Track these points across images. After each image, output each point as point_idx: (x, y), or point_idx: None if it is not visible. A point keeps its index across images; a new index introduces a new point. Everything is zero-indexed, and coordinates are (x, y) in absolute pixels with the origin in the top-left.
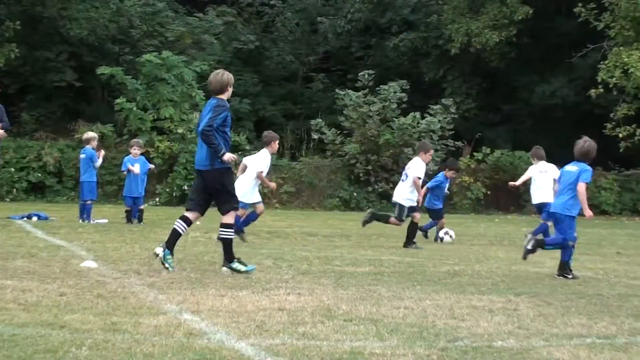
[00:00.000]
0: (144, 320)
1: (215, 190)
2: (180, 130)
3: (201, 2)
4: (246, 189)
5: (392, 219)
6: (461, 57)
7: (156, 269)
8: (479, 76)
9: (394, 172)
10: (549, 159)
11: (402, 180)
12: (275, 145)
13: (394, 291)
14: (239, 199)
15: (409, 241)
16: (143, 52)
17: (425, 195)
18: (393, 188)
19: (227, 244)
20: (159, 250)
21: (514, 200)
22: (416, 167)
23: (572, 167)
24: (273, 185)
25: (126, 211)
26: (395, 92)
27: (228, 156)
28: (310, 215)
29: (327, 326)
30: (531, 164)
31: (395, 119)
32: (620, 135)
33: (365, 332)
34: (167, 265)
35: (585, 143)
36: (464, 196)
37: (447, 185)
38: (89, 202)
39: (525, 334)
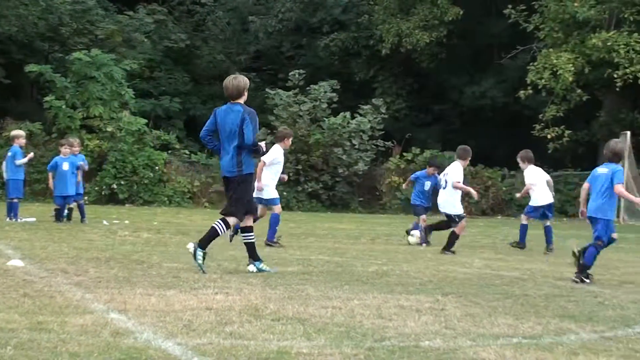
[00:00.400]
0: (70, 319)
1: (234, 193)
2: (109, 129)
3: (132, 0)
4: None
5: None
6: (392, 57)
7: (84, 268)
8: (410, 76)
9: (324, 171)
10: (478, 160)
11: (443, 187)
12: (288, 141)
13: (322, 291)
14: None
15: (448, 247)
16: (73, 50)
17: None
18: (323, 188)
19: (211, 229)
20: (252, 268)
21: None
22: (455, 172)
23: (603, 169)
24: (260, 185)
25: (55, 209)
26: (325, 92)
27: (263, 144)
28: None
29: (255, 325)
30: (518, 168)
31: (325, 118)
32: (549, 136)
33: (293, 332)
34: (266, 270)
35: (617, 144)
36: (393, 196)
37: (430, 183)
38: (15, 200)
39: (452, 334)
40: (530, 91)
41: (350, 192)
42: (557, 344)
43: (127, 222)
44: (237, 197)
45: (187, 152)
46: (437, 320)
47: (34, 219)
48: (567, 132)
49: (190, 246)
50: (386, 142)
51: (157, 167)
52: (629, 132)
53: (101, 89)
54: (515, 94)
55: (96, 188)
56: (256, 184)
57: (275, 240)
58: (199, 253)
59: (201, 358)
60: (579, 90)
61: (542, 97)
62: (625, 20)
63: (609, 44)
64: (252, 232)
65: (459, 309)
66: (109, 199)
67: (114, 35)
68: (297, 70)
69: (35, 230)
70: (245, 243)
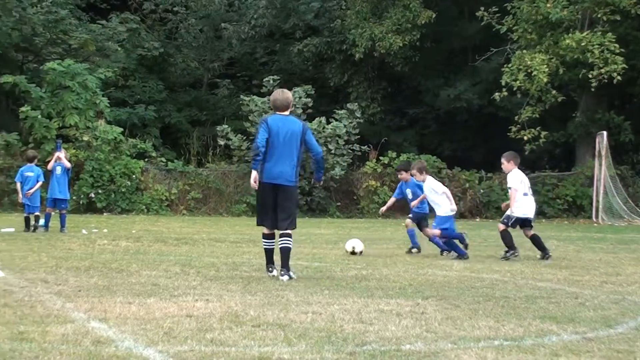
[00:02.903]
0: (52, 328)
1: (287, 205)
2: (85, 138)
3: (104, 9)
4: None
5: None
6: (365, 61)
7: (64, 277)
8: (384, 80)
9: (301, 177)
10: (455, 163)
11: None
12: None
13: (302, 296)
14: None
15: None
16: (47, 60)
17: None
18: (300, 193)
19: (286, 252)
20: (285, 278)
21: None
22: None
23: None
24: None
25: (25, 218)
26: (300, 97)
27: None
28: (217, 221)
29: (236, 332)
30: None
31: None
32: (525, 138)
33: (274, 338)
34: (293, 277)
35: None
36: (370, 200)
37: (407, 189)
38: None
39: (433, 337)
40: (505, 93)
41: (327, 197)
42: (538, 346)
43: (105, 230)
44: (294, 208)
45: (163, 160)
46: (417, 324)
47: (12, 230)
48: (544, 133)
49: (285, 278)
50: (362, 147)
51: (134, 176)
52: (605, 132)
53: (76, 99)
54: (490, 96)
55: (74, 197)
56: None
57: None
58: (291, 273)
59: None
60: (554, 91)
61: (518, 98)
62: (599, 20)
63: (582, 44)
64: (291, 237)
65: (440, 312)
66: (87, 208)
67: (87, 45)
68: (271, 76)
69: (14, 240)
70: (282, 247)
